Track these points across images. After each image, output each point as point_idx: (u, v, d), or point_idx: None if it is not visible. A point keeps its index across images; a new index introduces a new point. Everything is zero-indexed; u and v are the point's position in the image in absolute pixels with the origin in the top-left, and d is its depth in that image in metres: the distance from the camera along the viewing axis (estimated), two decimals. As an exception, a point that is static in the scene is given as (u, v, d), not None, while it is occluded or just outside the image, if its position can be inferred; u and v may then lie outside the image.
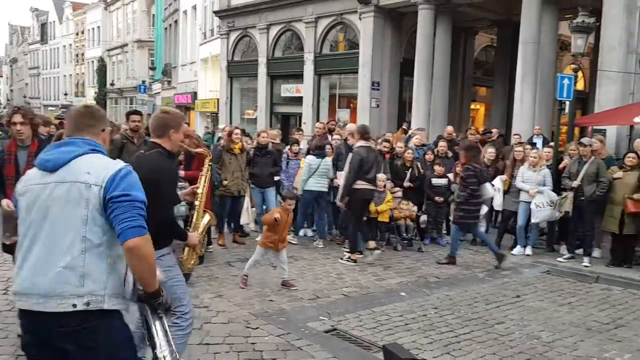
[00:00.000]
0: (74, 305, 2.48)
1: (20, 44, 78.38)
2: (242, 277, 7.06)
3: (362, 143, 8.52)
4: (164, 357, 2.70)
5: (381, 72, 18.52)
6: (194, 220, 4.43)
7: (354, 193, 8.43)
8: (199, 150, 5.70)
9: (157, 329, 2.76)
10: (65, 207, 2.53)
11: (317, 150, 9.66)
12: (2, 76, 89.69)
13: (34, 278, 2.50)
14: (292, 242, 9.19)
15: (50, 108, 59.42)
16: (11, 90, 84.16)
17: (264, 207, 9.67)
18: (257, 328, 5.62)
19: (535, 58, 14.09)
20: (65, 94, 60.39)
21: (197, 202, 4.47)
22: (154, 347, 2.74)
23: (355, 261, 8.46)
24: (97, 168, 2.58)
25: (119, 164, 2.65)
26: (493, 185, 9.54)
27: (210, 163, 4.80)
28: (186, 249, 4.23)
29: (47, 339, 2.52)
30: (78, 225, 2.52)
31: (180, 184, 5.60)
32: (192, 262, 4.33)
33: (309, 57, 20.68)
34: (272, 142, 10.01)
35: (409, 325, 5.94)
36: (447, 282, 7.79)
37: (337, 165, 9.63)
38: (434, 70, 16.99)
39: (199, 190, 4.48)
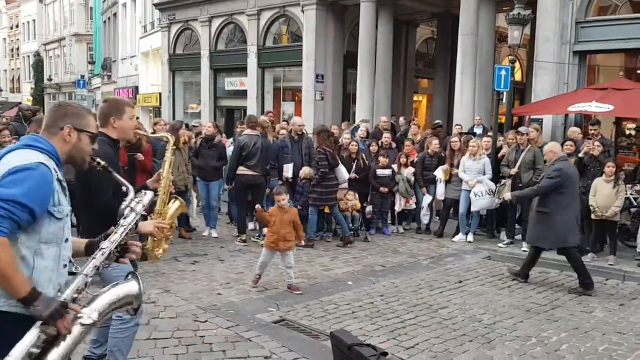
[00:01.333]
0: None
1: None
2: (255, 276, 6.90)
3: (247, 132, 9.11)
4: None
5: (325, 65, 18.58)
6: (156, 207, 4.28)
7: (236, 178, 8.99)
8: (160, 135, 5.66)
9: (22, 340, 2.26)
10: None
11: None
12: None
13: None
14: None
15: (-16, 104, 57.00)
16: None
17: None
18: (205, 321, 5.62)
19: (474, 50, 14.40)
20: (0, 90, 58.11)
21: (159, 189, 4.32)
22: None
23: (245, 241, 8.94)
24: (4, 164, 2.39)
25: (27, 160, 2.40)
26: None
27: (174, 148, 4.72)
28: (149, 237, 4.11)
29: None
30: None
31: None
32: (160, 250, 4.26)
33: (252, 50, 20.54)
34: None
35: (356, 313, 6.05)
36: (393, 270, 7.95)
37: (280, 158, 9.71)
38: (376, 63, 17.15)
39: (164, 175, 4.35)
